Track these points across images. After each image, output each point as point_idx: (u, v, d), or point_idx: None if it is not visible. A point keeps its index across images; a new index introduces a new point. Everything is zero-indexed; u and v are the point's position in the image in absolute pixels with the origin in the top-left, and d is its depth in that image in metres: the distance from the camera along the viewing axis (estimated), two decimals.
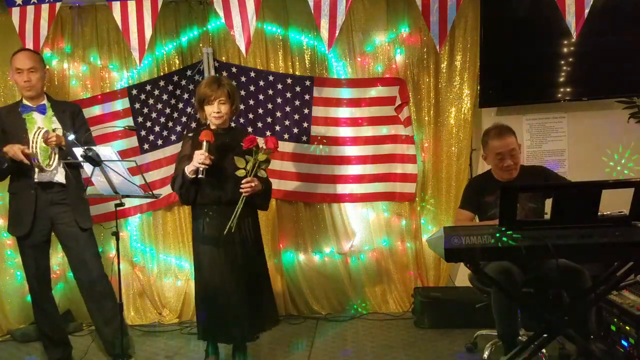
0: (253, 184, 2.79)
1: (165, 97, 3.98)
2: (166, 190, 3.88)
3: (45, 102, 3.16)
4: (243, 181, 2.78)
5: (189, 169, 2.74)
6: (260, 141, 2.86)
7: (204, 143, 2.72)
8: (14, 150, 2.89)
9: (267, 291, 3.05)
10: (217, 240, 2.84)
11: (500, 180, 2.96)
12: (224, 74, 3.93)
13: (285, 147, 3.97)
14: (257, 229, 3.03)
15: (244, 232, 2.90)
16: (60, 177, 3.08)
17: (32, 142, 2.93)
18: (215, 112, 2.84)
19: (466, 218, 3.03)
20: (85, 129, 3.19)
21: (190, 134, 3.18)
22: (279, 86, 3.95)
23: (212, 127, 2.89)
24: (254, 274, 2.94)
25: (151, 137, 4.01)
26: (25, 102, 3.13)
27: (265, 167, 2.84)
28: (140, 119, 4.00)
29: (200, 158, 2.69)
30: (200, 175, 2.71)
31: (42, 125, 3.05)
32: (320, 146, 3.98)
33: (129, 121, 3.96)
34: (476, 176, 3.24)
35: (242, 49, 3.38)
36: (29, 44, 3.52)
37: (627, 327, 2.82)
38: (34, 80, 3.08)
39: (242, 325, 2.87)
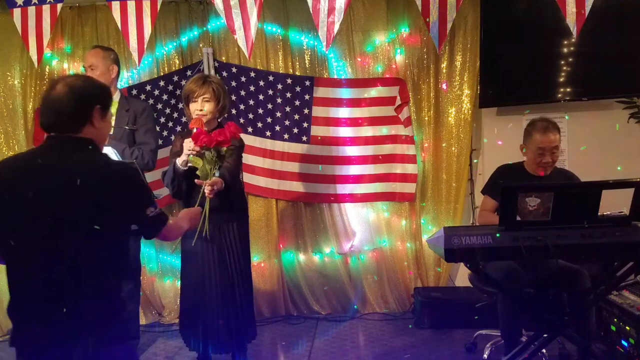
0: (213, 187, 2.57)
1: (165, 97, 3.98)
2: (166, 190, 3.86)
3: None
4: (199, 182, 2.57)
5: (180, 160, 2.66)
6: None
7: (195, 130, 2.61)
8: None
9: (249, 302, 2.90)
10: (200, 244, 2.72)
11: (532, 174, 2.93)
12: (224, 74, 3.93)
13: (285, 147, 3.97)
14: (245, 234, 2.89)
15: (228, 238, 2.77)
16: None
17: None
18: (198, 109, 2.72)
19: (490, 208, 3.00)
20: (146, 129, 3.13)
21: (181, 132, 3.13)
22: (279, 86, 3.95)
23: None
24: (239, 283, 2.80)
25: None
26: None
27: (218, 164, 2.62)
28: None
29: (189, 146, 2.57)
30: (190, 164, 2.62)
31: None
32: (320, 146, 3.98)
33: None
34: (507, 164, 3.16)
35: (244, 50, 3.38)
36: (32, 46, 3.52)
37: (627, 327, 2.82)
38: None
39: (215, 336, 2.74)
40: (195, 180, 2.60)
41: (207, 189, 2.56)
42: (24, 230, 1.66)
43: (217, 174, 2.60)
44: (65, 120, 1.73)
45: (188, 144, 2.60)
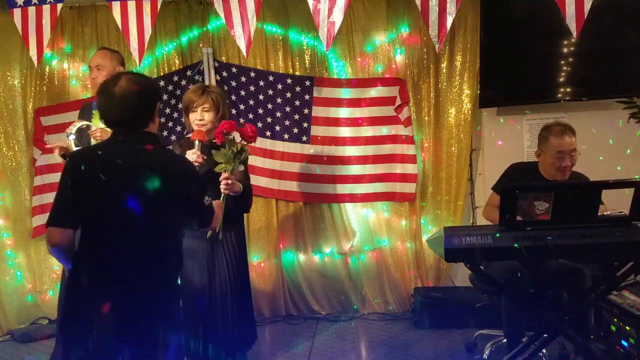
0: (229, 181, 2.60)
1: (165, 97, 3.97)
2: None
3: None
4: (221, 177, 2.60)
5: None
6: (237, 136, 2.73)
7: (196, 142, 2.62)
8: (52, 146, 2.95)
9: (245, 310, 2.89)
10: (195, 251, 2.71)
11: (548, 178, 2.88)
12: (224, 74, 3.93)
13: (285, 147, 3.97)
14: (243, 245, 2.88)
15: (227, 247, 2.76)
16: None
17: (67, 135, 2.92)
18: (198, 119, 2.72)
19: (496, 203, 2.97)
20: None
21: (179, 141, 3.12)
22: (279, 86, 3.95)
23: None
24: (234, 291, 2.77)
25: None
26: None
27: (242, 158, 2.67)
28: None
29: (192, 158, 2.57)
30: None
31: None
32: (320, 146, 3.98)
33: None
34: (521, 162, 3.10)
35: (243, 49, 3.39)
36: (33, 46, 3.52)
37: (627, 327, 2.82)
38: (99, 78, 3.07)
39: (215, 341, 2.73)
40: (216, 168, 2.63)
41: (223, 183, 2.58)
42: (109, 214, 1.80)
43: (238, 167, 2.67)
44: (138, 116, 1.86)
45: (190, 156, 2.59)
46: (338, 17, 3.28)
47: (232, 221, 2.76)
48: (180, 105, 3.98)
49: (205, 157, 2.63)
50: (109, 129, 2.97)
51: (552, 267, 2.58)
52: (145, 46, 3.48)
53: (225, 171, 2.62)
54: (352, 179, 4.00)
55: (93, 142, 2.91)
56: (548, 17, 3.52)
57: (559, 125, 2.87)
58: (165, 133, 4.01)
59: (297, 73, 3.98)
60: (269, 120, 3.99)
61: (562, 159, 2.81)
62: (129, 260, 1.79)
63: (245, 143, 2.71)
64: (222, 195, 2.61)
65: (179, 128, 4.00)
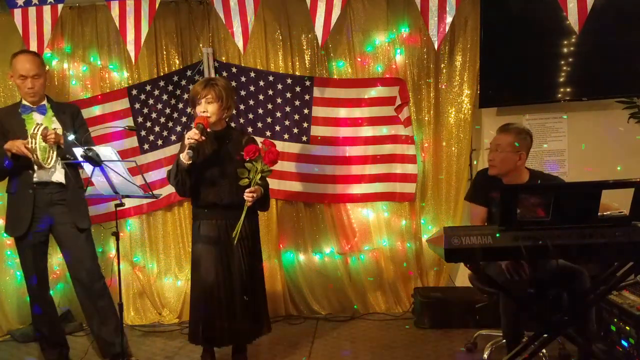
0: (255, 195, 2.82)
1: (165, 97, 3.98)
2: (166, 190, 3.88)
3: (45, 103, 3.16)
4: (246, 191, 2.80)
5: (183, 155, 2.75)
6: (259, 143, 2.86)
7: (199, 125, 2.74)
8: (16, 145, 2.89)
9: (260, 298, 3.03)
10: (212, 242, 2.85)
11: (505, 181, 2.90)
12: (224, 74, 3.93)
13: (285, 147, 3.97)
14: (256, 232, 3.03)
15: (242, 235, 2.88)
16: (59, 176, 3.08)
17: (31, 138, 2.93)
18: (201, 111, 2.83)
19: (481, 213, 2.97)
20: (85, 130, 3.19)
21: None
22: (279, 86, 3.95)
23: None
24: (249, 278, 2.92)
25: (151, 137, 4.02)
26: (25, 102, 3.12)
27: (267, 175, 2.87)
28: (140, 119, 4.00)
29: (190, 134, 2.70)
30: (188, 150, 2.69)
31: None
32: (320, 146, 3.98)
33: (129, 121, 3.96)
34: (485, 168, 3.17)
35: (240, 46, 3.41)
36: (33, 46, 3.53)
37: (627, 327, 2.82)
38: (37, 87, 3.07)
39: (233, 329, 2.86)
40: (240, 182, 2.81)
41: (248, 196, 2.78)
42: None
43: (261, 182, 2.84)
44: None
45: (190, 133, 2.71)
46: (335, 13, 3.29)
47: (247, 212, 2.86)
48: (180, 105, 4.00)
49: (204, 138, 2.75)
50: (59, 132, 3.00)
51: (552, 268, 2.59)
52: (142, 44, 3.49)
53: (249, 185, 2.80)
54: (352, 179, 4.00)
55: (40, 144, 2.90)
56: (548, 17, 3.53)
57: (507, 123, 2.94)
58: (165, 133, 4.01)
59: (297, 73, 3.98)
60: (269, 120, 3.99)
61: (490, 152, 2.91)
62: None
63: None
64: (245, 205, 2.80)
65: (178, 128, 4.01)
